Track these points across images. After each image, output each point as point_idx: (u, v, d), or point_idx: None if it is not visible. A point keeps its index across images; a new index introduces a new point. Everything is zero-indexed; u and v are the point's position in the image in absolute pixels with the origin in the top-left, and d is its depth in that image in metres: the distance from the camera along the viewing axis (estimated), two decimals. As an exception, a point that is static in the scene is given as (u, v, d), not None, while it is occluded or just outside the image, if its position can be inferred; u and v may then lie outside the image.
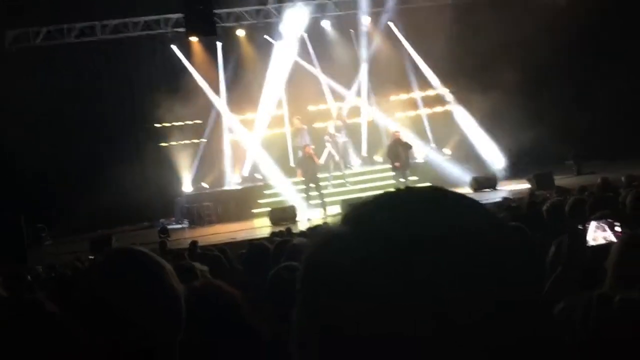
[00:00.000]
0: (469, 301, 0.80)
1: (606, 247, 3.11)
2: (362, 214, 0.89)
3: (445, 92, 23.41)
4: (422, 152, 22.26)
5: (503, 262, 0.85)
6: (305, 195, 19.25)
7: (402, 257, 0.81)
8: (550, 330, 0.86)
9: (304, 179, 19.26)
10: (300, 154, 20.16)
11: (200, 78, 22.16)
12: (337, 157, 21.23)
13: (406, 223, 0.84)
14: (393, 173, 20.15)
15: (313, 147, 19.87)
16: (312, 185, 19.23)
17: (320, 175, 19.69)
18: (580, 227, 3.44)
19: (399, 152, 19.73)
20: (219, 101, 22.29)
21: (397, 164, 19.64)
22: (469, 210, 0.89)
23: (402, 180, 19.60)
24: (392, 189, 0.93)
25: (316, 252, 0.89)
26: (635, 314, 1.93)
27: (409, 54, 23.02)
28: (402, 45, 23.08)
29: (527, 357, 0.82)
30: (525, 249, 0.88)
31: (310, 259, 0.89)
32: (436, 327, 0.79)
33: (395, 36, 23.17)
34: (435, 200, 0.89)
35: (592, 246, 3.31)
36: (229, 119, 22.59)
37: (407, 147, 20.06)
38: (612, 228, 3.24)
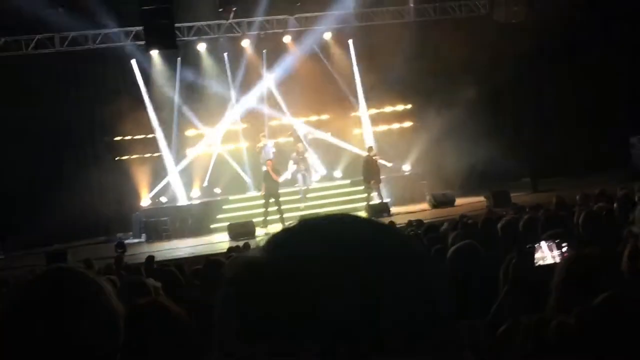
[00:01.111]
0: (376, 326, 0.82)
1: (554, 267, 3.14)
2: (278, 241, 0.91)
3: (404, 108, 23.63)
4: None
5: (412, 284, 0.87)
6: (265, 209, 19.29)
7: (312, 282, 0.83)
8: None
9: (264, 193, 19.35)
10: (264, 168, 20.16)
11: (160, 92, 22.08)
12: (302, 173, 21.14)
13: (319, 249, 0.86)
14: (361, 187, 20.74)
15: (270, 161, 19.94)
16: (271, 200, 19.28)
17: (280, 191, 19.69)
18: (529, 246, 3.48)
19: (372, 169, 20.18)
20: (177, 115, 22.19)
21: (372, 181, 20.06)
22: (381, 235, 0.90)
23: (373, 195, 20.06)
24: (310, 216, 0.95)
25: (233, 278, 0.90)
26: (570, 339, 1.95)
27: (365, 71, 23.10)
28: (361, 63, 23.20)
29: None
30: (438, 272, 0.90)
31: (228, 284, 0.90)
32: (343, 351, 0.81)
33: (357, 53, 23.29)
34: (348, 226, 0.91)
35: (541, 266, 3.34)
36: (190, 133, 22.53)
37: (377, 163, 20.65)
38: (559, 248, 3.28)
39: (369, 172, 20.19)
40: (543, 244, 3.37)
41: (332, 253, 0.86)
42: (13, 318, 1.74)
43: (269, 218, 19.28)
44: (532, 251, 3.36)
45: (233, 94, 22.52)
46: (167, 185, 21.93)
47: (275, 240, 0.92)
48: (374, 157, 20.57)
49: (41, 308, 1.70)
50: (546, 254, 3.32)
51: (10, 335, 1.71)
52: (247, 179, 22.25)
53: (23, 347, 1.67)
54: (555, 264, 3.20)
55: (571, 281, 2.65)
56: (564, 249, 3.29)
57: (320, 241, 0.88)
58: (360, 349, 0.81)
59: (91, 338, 1.69)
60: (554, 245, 3.32)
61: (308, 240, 0.89)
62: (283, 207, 19.51)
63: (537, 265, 3.33)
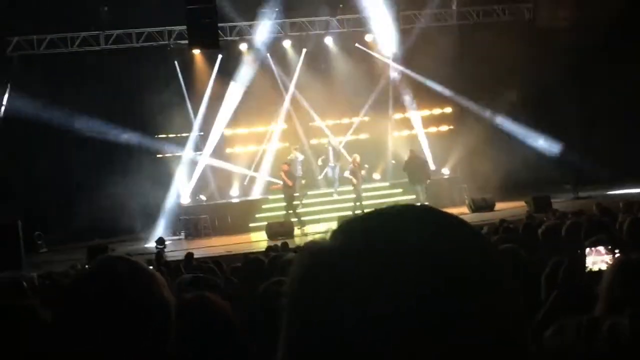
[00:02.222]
0: (454, 319, 0.81)
1: (602, 272, 3.11)
2: (349, 230, 0.90)
3: (446, 111, 23.52)
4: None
5: (489, 282, 0.86)
6: (292, 211, 19.83)
7: (387, 273, 0.82)
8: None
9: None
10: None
11: (204, 91, 22.25)
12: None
13: (393, 240, 0.85)
14: (399, 189, 21.46)
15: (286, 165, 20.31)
16: (295, 202, 19.92)
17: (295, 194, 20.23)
18: (579, 251, 3.44)
19: (414, 168, 20.52)
20: (219, 115, 22.30)
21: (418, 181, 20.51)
22: (457, 230, 0.90)
23: (418, 190, 20.34)
24: (382, 207, 0.94)
25: (303, 266, 0.90)
26: (624, 339, 1.93)
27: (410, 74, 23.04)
28: (401, 65, 23.14)
29: None
30: (512, 272, 0.89)
31: (298, 273, 0.90)
32: (419, 343, 0.80)
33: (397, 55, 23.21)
34: (423, 218, 0.90)
35: (591, 271, 3.31)
36: (229, 132, 22.65)
37: (423, 162, 21.00)
38: (612, 253, 3.24)
39: (412, 173, 20.39)
40: (592, 249, 3.33)
41: (403, 243, 0.85)
42: (71, 309, 1.76)
43: (302, 218, 19.67)
44: (583, 256, 3.32)
45: (273, 93, 22.57)
46: (207, 183, 22.05)
47: (345, 229, 0.91)
48: (416, 158, 20.72)
49: (98, 299, 1.72)
50: (596, 259, 3.28)
51: (69, 325, 1.74)
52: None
53: (81, 337, 1.69)
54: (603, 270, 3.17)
55: (619, 286, 2.62)
56: (616, 254, 3.25)
57: (391, 230, 0.87)
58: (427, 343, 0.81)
59: (145, 328, 1.71)
60: (603, 251, 3.28)
61: (379, 229, 0.88)
62: (298, 210, 20.05)
63: (588, 270, 3.29)
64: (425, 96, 22.70)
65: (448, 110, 23.61)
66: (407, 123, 23.62)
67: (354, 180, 20.10)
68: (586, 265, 3.30)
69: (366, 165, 20.79)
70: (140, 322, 1.69)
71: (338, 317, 0.82)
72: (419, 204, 1.16)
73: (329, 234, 0.91)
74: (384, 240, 0.86)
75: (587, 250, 3.25)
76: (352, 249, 0.86)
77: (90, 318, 1.68)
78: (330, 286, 0.84)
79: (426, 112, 23.64)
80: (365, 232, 0.89)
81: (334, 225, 0.98)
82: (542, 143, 21.70)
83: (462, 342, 0.81)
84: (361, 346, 0.81)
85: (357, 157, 20.60)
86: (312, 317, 0.85)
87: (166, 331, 1.76)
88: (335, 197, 21.54)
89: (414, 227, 0.87)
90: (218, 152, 22.44)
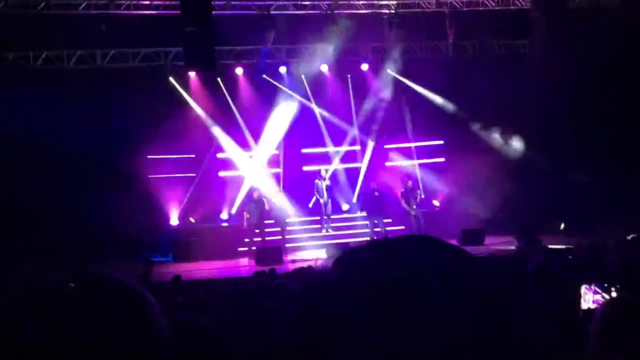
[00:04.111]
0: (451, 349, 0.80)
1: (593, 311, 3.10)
2: (352, 260, 0.90)
3: (438, 143, 23.59)
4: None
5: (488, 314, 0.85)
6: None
7: (389, 304, 0.82)
8: None
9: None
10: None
11: (197, 112, 22.28)
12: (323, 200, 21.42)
13: (394, 271, 0.85)
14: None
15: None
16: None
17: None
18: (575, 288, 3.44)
19: (409, 198, 20.99)
20: (215, 137, 22.33)
21: (407, 208, 21.04)
22: (457, 260, 0.89)
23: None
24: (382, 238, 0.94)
25: (308, 295, 0.89)
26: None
27: (406, 104, 23.16)
28: (401, 95, 23.23)
29: None
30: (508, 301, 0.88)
31: (302, 301, 0.89)
32: None
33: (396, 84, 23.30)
34: (424, 249, 0.90)
35: (585, 309, 3.30)
36: (222, 156, 22.63)
37: (416, 193, 21.42)
38: (607, 292, 3.23)
39: (405, 200, 21.17)
40: (584, 287, 3.33)
41: (401, 275, 0.85)
42: (57, 326, 1.73)
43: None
44: (578, 295, 3.32)
45: (267, 118, 22.61)
46: (198, 206, 22.00)
47: (343, 259, 0.91)
48: (409, 187, 21.16)
49: (86, 317, 1.69)
50: (588, 297, 3.28)
51: (52, 342, 1.71)
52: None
53: (65, 354, 1.67)
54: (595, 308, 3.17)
55: (612, 326, 2.61)
56: (612, 293, 3.24)
57: (389, 262, 0.87)
58: None
59: (133, 348, 1.68)
60: (597, 289, 3.28)
61: (376, 261, 0.88)
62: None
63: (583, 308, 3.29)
64: (418, 127, 22.77)
65: (440, 142, 23.65)
66: (400, 153, 23.65)
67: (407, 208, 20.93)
68: (581, 303, 3.30)
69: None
70: (129, 342, 1.67)
71: (333, 345, 0.82)
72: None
73: (326, 263, 0.92)
74: (384, 274, 0.86)
75: (584, 289, 3.25)
76: (350, 280, 0.87)
77: (77, 336, 1.65)
78: (327, 315, 0.85)
79: (419, 143, 23.67)
80: (361, 265, 0.89)
81: (323, 253, 0.98)
82: (533, 178, 21.72)
83: None
84: None
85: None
86: (309, 344, 0.85)
87: (155, 352, 1.73)
88: (324, 232, 21.51)
89: (409, 261, 0.87)
90: (210, 175, 22.40)
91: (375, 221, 20.78)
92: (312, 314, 0.87)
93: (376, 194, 21.06)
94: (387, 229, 20.86)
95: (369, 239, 18.96)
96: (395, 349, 0.81)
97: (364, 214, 21.69)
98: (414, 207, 21.14)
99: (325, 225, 21.48)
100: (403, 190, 21.28)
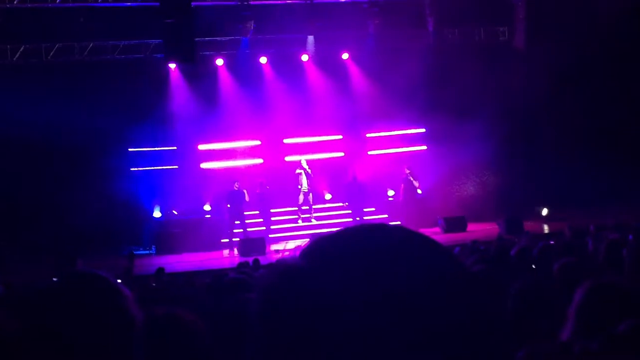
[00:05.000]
0: (423, 346, 0.80)
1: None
2: (318, 249, 0.89)
3: (419, 131, 23.60)
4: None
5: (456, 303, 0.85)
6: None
7: (356, 295, 0.81)
8: None
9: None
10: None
11: (178, 105, 22.19)
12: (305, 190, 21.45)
13: (361, 260, 0.84)
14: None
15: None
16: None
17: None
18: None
19: (402, 187, 21.36)
20: (195, 128, 22.23)
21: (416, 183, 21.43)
22: (423, 248, 0.89)
23: None
24: (350, 226, 0.94)
25: (273, 285, 0.89)
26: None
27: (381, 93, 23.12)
28: (377, 84, 23.17)
29: None
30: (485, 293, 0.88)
31: (267, 292, 0.89)
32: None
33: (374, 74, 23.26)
34: (390, 237, 0.89)
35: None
36: (204, 147, 22.55)
37: (412, 183, 21.46)
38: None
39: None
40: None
41: (368, 264, 0.84)
42: (33, 321, 1.73)
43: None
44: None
45: (248, 109, 22.52)
46: (180, 198, 21.92)
47: (311, 249, 0.91)
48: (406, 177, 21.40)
49: (63, 313, 1.69)
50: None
51: (31, 337, 1.70)
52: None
53: (43, 348, 1.66)
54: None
55: (591, 308, 2.62)
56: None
57: (358, 251, 0.86)
58: None
59: (109, 343, 1.68)
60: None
61: (345, 249, 0.87)
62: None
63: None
64: (399, 115, 22.77)
65: (422, 130, 23.64)
66: (381, 142, 23.64)
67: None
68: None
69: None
70: (105, 337, 1.66)
71: (303, 333, 0.82)
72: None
73: (294, 253, 0.91)
74: (351, 262, 0.85)
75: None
76: (318, 269, 0.86)
77: (54, 332, 1.64)
78: (296, 304, 0.84)
79: (400, 132, 23.66)
80: (329, 253, 0.88)
81: (302, 242, 0.97)
82: (515, 165, 21.83)
83: None
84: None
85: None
86: (279, 333, 0.84)
87: (131, 346, 1.73)
88: (309, 222, 21.53)
89: (379, 248, 0.86)
90: (192, 167, 22.32)
91: (356, 210, 20.86)
92: (276, 305, 0.87)
93: (357, 182, 21.10)
94: (371, 217, 20.90)
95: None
96: (364, 340, 0.80)
97: (346, 203, 21.73)
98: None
99: (308, 215, 21.51)
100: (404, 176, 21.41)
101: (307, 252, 0.90)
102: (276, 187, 21.73)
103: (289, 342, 0.83)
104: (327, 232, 0.95)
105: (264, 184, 20.94)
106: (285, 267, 0.90)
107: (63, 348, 1.64)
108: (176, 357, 2.31)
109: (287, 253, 0.94)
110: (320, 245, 0.91)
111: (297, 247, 0.90)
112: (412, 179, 21.37)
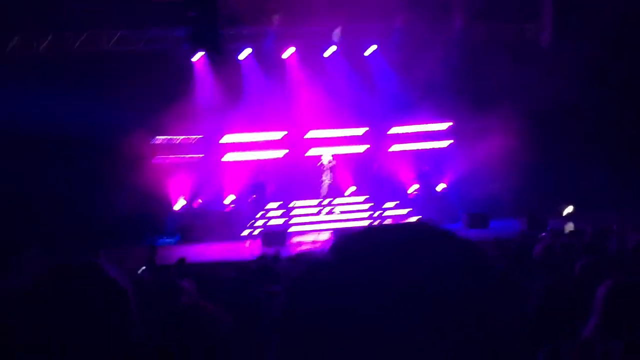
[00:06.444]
0: (447, 341, 0.80)
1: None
2: (347, 245, 0.91)
3: (444, 126, 23.49)
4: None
5: (481, 302, 0.85)
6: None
7: (383, 290, 0.82)
8: None
9: None
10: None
11: (203, 95, 22.22)
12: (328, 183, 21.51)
13: (389, 258, 0.85)
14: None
15: None
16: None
17: None
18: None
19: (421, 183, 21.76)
20: (221, 119, 22.26)
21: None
22: (452, 248, 0.89)
23: None
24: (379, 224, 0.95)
25: (301, 279, 0.90)
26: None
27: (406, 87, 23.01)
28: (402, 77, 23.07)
29: None
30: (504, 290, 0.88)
31: (295, 286, 0.90)
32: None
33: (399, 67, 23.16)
34: (420, 236, 0.90)
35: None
36: (229, 138, 22.58)
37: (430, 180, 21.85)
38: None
39: None
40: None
41: (397, 262, 0.85)
42: (25, 312, 1.74)
43: None
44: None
45: (273, 101, 22.52)
46: (204, 188, 21.99)
47: (341, 244, 0.92)
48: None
49: (60, 304, 1.69)
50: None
51: (22, 329, 1.72)
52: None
53: (34, 340, 1.67)
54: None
55: (614, 306, 2.61)
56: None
57: (385, 251, 0.87)
58: None
59: (110, 333, 1.68)
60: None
61: (373, 246, 0.88)
62: None
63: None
64: (424, 110, 22.66)
65: (448, 124, 23.52)
66: (406, 136, 23.56)
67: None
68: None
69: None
70: (105, 328, 1.66)
71: (330, 324, 0.83)
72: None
73: (324, 246, 0.92)
74: (380, 261, 0.86)
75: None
76: (346, 264, 0.88)
77: (54, 323, 1.65)
78: (324, 297, 0.85)
79: (425, 126, 23.56)
80: (358, 249, 0.90)
81: (323, 235, 0.99)
82: (540, 162, 21.67)
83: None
84: (347, 355, 0.82)
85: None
86: (306, 324, 0.86)
87: (131, 338, 1.73)
88: (331, 216, 21.52)
89: (408, 247, 0.87)
90: (216, 158, 22.38)
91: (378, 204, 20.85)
92: (304, 299, 0.88)
93: (380, 176, 21.08)
94: (393, 212, 20.84)
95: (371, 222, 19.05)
96: (389, 336, 0.81)
97: (367, 197, 21.71)
98: None
99: (330, 209, 21.52)
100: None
101: (336, 248, 0.92)
102: (299, 179, 21.75)
103: (316, 333, 0.84)
104: (356, 228, 0.96)
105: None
106: (315, 261, 0.91)
107: (53, 343, 1.65)
108: (200, 345, 2.33)
109: (308, 246, 0.95)
110: (349, 241, 0.92)
111: (317, 240, 0.91)
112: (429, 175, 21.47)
